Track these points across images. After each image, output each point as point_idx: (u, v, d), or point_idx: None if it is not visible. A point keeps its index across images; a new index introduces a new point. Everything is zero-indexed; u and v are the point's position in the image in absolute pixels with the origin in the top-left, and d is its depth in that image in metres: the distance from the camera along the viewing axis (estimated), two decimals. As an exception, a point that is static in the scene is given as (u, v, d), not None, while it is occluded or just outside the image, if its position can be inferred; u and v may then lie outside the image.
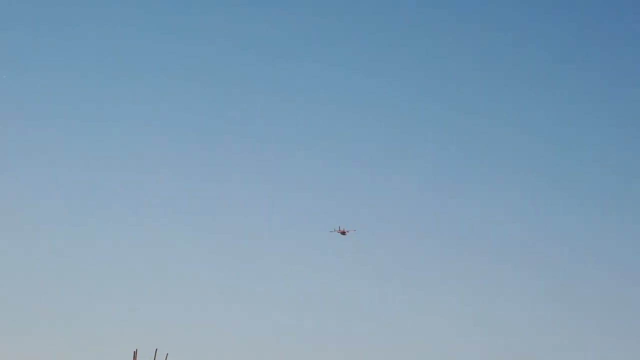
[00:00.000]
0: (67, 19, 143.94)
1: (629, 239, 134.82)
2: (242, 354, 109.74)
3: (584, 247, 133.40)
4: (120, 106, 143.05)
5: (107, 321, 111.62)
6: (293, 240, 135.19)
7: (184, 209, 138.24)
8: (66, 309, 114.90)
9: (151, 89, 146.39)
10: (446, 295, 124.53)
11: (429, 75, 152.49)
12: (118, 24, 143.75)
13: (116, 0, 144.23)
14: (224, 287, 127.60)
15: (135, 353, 44.75)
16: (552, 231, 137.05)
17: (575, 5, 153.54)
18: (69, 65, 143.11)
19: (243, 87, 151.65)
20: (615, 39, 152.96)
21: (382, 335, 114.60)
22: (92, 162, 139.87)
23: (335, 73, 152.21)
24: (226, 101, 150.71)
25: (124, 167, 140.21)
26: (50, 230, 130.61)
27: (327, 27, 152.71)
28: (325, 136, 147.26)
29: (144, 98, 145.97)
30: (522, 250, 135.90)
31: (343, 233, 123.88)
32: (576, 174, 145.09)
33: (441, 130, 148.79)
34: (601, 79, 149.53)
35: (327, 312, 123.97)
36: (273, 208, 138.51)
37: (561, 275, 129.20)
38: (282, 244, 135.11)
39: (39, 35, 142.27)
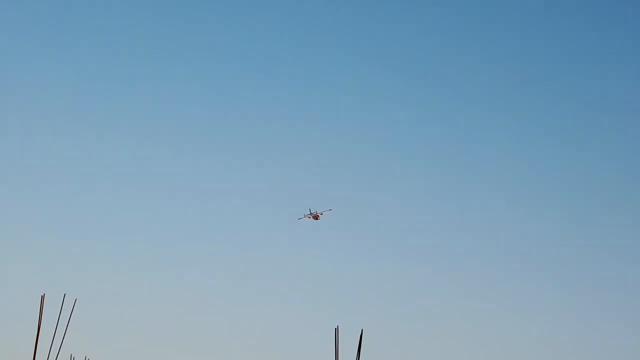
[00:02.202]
0: (66, 18, 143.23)
1: (631, 240, 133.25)
2: (154, 304, 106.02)
3: (583, 246, 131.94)
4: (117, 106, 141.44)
5: (14, 264, 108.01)
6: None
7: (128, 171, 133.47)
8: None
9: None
10: (440, 281, 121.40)
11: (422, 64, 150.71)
12: (116, 25, 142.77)
13: (115, 1, 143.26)
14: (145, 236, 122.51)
15: (42, 298, 43.95)
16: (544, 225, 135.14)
17: (576, 4, 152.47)
18: (70, 63, 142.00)
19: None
20: (616, 39, 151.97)
21: (369, 323, 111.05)
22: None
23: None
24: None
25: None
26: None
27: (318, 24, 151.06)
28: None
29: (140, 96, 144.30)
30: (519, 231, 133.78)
31: (316, 217, 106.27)
32: (577, 174, 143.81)
33: (431, 112, 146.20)
34: (602, 79, 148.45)
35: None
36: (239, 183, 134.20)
37: (561, 274, 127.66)
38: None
39: (37, 34, 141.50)
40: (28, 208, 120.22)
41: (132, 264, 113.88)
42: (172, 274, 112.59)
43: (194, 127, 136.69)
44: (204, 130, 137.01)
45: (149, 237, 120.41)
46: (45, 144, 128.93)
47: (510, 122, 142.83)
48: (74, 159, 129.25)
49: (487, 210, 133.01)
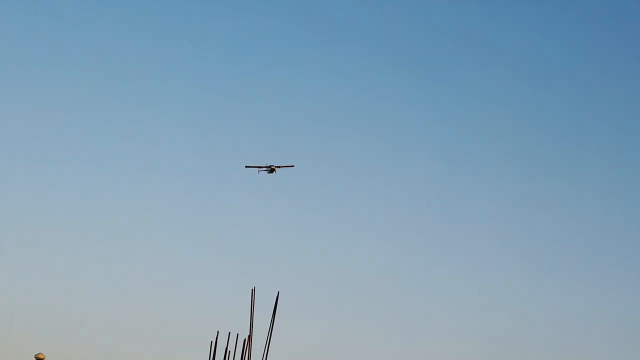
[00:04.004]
0: (65, 18, 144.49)
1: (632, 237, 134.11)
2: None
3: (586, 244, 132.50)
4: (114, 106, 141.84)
5: None
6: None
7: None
8: None
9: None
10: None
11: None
12: (115, 25, 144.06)
13: (113, 2, 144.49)
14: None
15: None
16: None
17: (576, 3, 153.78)
18: (69, 65, 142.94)
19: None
20: (620, 36, 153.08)
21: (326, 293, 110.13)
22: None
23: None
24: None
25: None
26: None
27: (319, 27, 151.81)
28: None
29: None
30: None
31: (272, 170, 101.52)
32: (578, 172, 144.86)
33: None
34: (608, 76, 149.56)
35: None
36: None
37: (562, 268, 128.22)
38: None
39: (37, 34, 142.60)
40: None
41: (48, 206, 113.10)
42: (89, 219, 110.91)
43: (153, 84, 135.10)
44: (163, 85, 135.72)
45: (73, 177, 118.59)
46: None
47: (505, 118, 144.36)
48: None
49: (436, 180, 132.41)
